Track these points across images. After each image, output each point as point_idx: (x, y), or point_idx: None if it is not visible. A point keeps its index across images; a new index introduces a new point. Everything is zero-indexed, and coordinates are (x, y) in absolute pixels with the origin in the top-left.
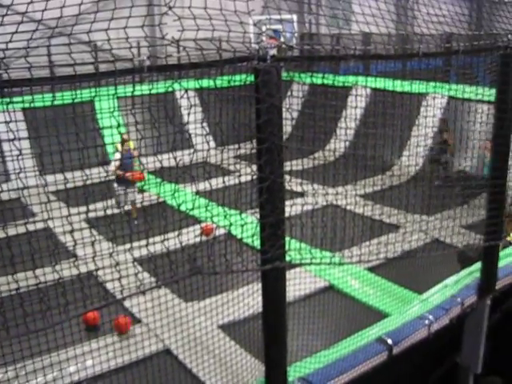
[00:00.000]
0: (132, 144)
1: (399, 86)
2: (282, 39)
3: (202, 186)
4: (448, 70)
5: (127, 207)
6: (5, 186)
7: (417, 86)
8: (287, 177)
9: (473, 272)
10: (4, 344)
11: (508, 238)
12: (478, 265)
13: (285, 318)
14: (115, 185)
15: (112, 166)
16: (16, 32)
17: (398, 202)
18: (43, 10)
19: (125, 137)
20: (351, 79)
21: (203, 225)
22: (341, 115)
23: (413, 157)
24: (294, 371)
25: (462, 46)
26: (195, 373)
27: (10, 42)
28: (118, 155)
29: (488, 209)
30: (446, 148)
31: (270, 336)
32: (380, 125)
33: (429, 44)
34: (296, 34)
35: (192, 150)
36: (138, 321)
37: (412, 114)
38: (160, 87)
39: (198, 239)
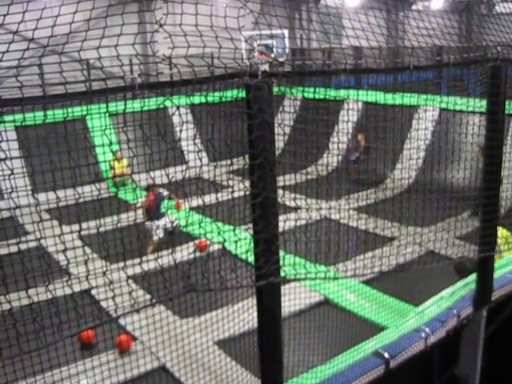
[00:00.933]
0: (125, 161)
1: (391, 99)
2: (274, 54)
3: (196, 202)
4: (439, 82)
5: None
6: None
7: (408, 99)
8: (280, 192)
9: (468, 283)
10: None
11: None
12: (473, 276)
13: (280, 334)
14: (148, 223)
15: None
16: (7, 51)
17: (391, 215)
18: (34, 29)
19: (118, 154)
20: (342, 93)
21: (197, 241)
22: (333, 129)
23: (406, 170)
24: None
25: (452, 59)
26: None
27: (1, 61)
28: (142, 200)
29: (482, 220)
30: (360, 149)
31: (265, 352)
32: (372, 138)
33: (419, 57)
34: (287, 50)
35: (185, 167)
36: (134, 338)
37: (404, 126)
38: (153, 104)
39: (191, 256)
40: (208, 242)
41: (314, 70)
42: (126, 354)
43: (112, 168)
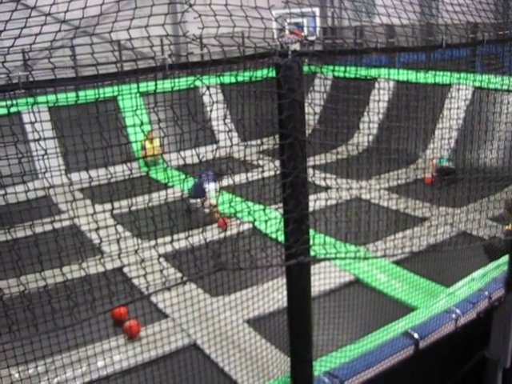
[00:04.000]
0: (157, 141)
1: (423, 77)
2: (304, 33)
3: (226, 181)
4: (473, 60)
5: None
6: (33, 185)
7: (441, 78)
8: (311, 171)
9: (500, 265)
10: (34, 340)
11: (507, 227)
12: (505, 257)
13: (310, 313)
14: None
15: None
16: (40, 33)
17: (423, 195)
18: (66, 11)
19: (150, 135)
20: (374, 72)
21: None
22: (364, 109)
23: (438, 149)
24: (320, 366)
25: (486, 36)
26: (222, 367)
27: (35, 43)
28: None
29: None
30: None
31: (295, 331)
32: (404, 117)
33: (453, 35)
34: (318, 28)
35: (215, 146)
36: (166, 316)
37: (436, 105)
38: (183, 84)
39: (222, 235)
40: (228, 220)
41: (345, 48)
42: (136, 339)
43: (144, 148)
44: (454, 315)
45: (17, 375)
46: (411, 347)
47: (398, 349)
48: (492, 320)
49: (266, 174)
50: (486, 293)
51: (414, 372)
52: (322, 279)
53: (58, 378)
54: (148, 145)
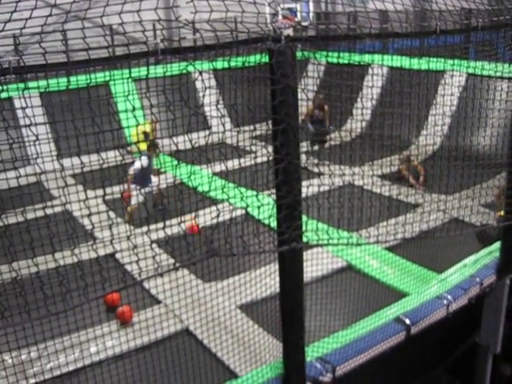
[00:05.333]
0: (148, 127)
1: (416, 63)
2: (298, 18)
3: (219, 167)
4: (467, 46)
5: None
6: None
7: (434, 64)
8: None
9: (492, 251)
10: (26, 326)
11: (499, 213)
12: (497, 244)
13: (302, 299)
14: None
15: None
16: (31, 17)
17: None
18: None
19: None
20: (367, 58)
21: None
22: (357, 95)
23: (430, 136)
24: (312, 351)
25: (481, 22)
26: (214, 352)
27: (25, 28)
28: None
29: (507, 187)
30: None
31: (287, 317)
32: (397, 104)
33: (446, 21)
34: (311, 14)
35: (208, 132)
36: (158, 301)
37: (429, 92)
38: (176, 69)
39: (214, 221)
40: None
41: (339, 34)
42: (129, 325)
43: (143, 134)
44: (445, 301)
45: (10, 361)
46: (403, 333)
47: (390, 334)
48: (483, 306)
49: (258, 160)
50: (478, 279)
51: (405, 357)
52: (315, 265)
53: (51, 363)
54: (148, 130)
